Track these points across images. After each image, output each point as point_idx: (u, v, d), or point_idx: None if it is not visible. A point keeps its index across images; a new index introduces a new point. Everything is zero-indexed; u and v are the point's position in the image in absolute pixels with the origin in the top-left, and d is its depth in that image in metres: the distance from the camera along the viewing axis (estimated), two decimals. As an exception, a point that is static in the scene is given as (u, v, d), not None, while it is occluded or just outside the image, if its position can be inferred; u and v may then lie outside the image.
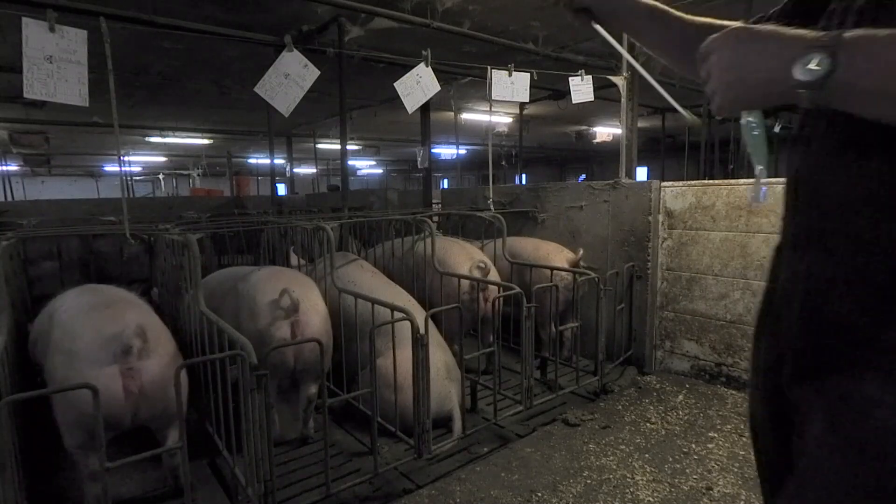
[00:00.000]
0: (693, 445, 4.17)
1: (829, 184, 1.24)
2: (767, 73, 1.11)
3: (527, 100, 6.41)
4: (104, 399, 2.98)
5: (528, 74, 6.22)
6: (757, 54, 1.13)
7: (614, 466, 3.93)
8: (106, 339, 3.23)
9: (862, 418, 1.14)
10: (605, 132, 18.24)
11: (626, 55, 2.04)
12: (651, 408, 4.87)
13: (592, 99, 6.61)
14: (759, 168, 1.35)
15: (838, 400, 1.18)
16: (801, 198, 1.32)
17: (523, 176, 16.89)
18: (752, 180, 4.45)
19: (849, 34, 1.03)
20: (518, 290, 4.50)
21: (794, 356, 1.31)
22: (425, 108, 8.85)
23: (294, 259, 5.89)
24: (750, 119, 1.27)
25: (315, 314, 4.21)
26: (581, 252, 5.84)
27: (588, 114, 16.18)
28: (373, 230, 7.24)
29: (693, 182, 5.45)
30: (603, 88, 7.01)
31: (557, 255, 5.88)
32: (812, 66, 1.05)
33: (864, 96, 1.04)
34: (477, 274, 5.25)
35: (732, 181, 5.22)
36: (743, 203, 5.05)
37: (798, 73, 1.06)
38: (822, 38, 1.05)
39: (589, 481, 3.76)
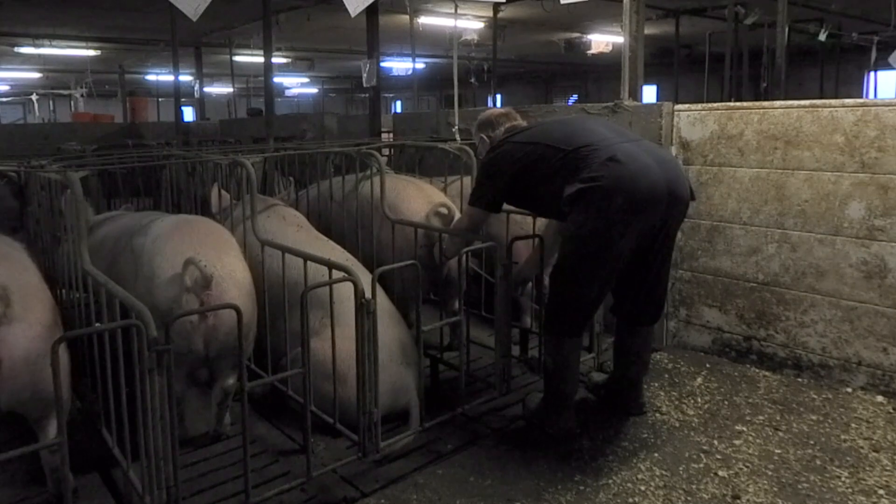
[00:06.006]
0: (715, 442, 4.18)
1: None
2: None
3: (503, -2, 6.33)
4: None
5: (506, -36, 6.14)
6: None
7: (614, 468, 3.93)
8: None
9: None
10: (602, 41, 18.28)
11: None
12: (662, 393, 4.89)
13: (587, -3, 6.53)
14: None
15: None
16: None
17: (497, 97, 16.90)
18: (794, 102, 4.41)
19: None
20: (491, 242, 4.46)
21: None
22: (372, 11, 8.79)
23: (216, 197, 5.65)
24: None
25: (234, 286, 4.09)
26: None
27: (581, 17, 16.10)
28: (305, 166, 7.15)
29: (715, 105, 5.44)
30: (601, -16, 6.94)
31: None
32: None
33: None
34: (437, 222, 5.20)
35: (766, 104, 5.17)
36: (779, 132, 5.00)
37: None
38: None
39: (582, 487, 3.76)
